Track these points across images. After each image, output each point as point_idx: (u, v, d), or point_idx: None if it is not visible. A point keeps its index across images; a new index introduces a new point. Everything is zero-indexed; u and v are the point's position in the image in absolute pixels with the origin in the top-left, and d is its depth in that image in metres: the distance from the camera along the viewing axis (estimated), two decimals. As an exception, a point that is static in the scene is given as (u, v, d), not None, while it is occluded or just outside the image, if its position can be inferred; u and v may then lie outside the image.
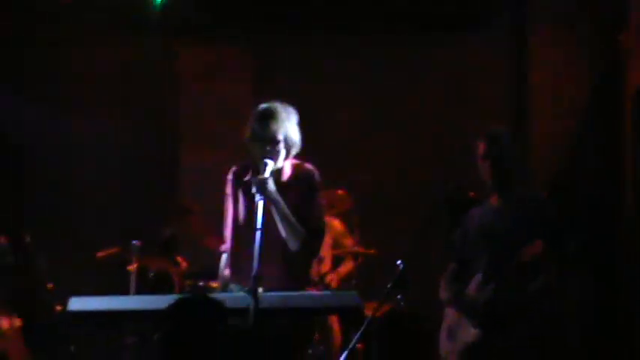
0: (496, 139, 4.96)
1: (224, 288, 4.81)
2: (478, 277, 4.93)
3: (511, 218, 4.92)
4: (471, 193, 5.43)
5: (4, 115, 8.03)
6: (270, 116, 4.59)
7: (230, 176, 4.79)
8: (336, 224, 7.45)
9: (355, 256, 7.49)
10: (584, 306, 7.09)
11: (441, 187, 6.87)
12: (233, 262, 4.73)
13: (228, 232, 4.80)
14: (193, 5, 8.00)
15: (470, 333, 4.89)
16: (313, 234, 4.65)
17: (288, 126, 4.62)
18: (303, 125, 4.71)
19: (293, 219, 4.58)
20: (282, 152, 4.63)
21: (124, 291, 6.82)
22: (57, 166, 8.19)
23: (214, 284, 6.32)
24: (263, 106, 4.67)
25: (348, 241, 7.49)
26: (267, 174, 4.49)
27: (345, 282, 7.37)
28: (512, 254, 4.82)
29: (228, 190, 4.78)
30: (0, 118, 8.00)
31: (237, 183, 4.73)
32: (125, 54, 8.37)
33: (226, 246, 4.82)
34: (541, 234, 4.82)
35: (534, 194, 5.20)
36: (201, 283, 6.97)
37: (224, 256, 4.85)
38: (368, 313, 5.09)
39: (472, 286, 4.94)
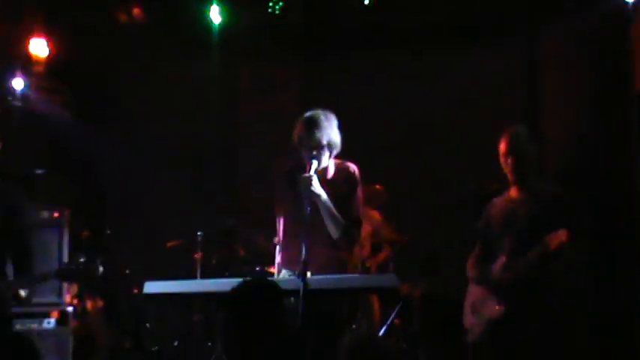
0: (517, 137, 4.91)
1: (278, 273, 4.78)
2: (502, 260, 4.86)
3: (531, 209, 4.86)
4: (495, 185, 5.35)
5: (88, 114, 8.13)
6: (314, 125, 4.57)
7: (280, 173, 4.77)
8: (375, 215, 7.41)
9: (392, 243, 7.45)
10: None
11: (465, 185, 6.79)
12: (284, 250, 4.72)
13: (280, 224, 4.78)
14: (251, 30, 8.15)
15: (493, 309, 4.82)
16: (353, 224, 4.64)
17: (330, 132, 4.61)
18: (345, 130, 4.70)
19: (335, 211, 4.57)
20: (326, 153, 4.63)
21: (190, 276, 6.84)
22: (133, 173, 8.24)
23: (271, 269, 6.33)
24: (307, 115, 4.66)
25: (386, 231, 7.47)
26: (312, 172, 4.49)
27: (382, 267, 7.33)
28: (534, 241, 4.74)
29: (279, 186, 4.77)
30: (84, 123, 8.08)
31: (287, 180, 4.71)
32: (195, 71, 8.47)
33: (279, 236, 4.80)
34: (562, 223, 4.73)
35: (551, 187, 5.12)
36: (257, 268, 6.96)
37: (278, 246, 4.84)
38: (404, 293, 5.06)
39: (496, 268, 4.88)
